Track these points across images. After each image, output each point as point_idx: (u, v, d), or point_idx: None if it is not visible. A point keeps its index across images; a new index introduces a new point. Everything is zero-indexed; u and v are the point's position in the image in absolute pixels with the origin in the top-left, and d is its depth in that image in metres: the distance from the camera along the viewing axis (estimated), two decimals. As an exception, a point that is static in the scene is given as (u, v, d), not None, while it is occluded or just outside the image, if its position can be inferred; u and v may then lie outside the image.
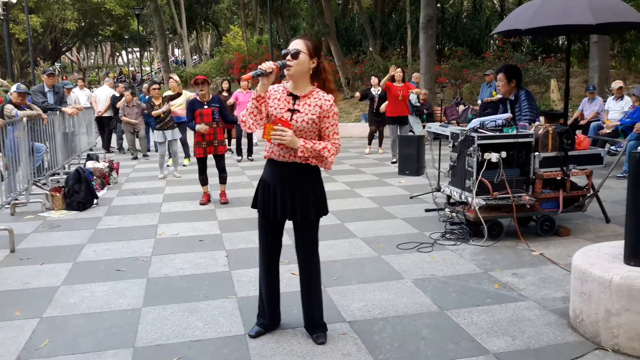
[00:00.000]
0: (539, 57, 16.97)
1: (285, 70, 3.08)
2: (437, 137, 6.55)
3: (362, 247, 5.23)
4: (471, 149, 5.17)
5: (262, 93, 3.05)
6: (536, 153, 5.27)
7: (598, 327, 3.22)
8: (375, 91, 11.56)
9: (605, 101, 10.77)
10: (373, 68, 19.07)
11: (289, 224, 3.35)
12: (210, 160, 7.29)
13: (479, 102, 13.39)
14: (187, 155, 11.14)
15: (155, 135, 9.37)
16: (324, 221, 6.16)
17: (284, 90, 3.19)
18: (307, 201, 3.19)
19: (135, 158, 12.22)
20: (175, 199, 7.72)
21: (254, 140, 13.50)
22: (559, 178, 5.37)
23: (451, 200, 5.93)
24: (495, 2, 22.76)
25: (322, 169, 3.26)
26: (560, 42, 19.22)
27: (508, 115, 5.43)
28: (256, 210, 3.39)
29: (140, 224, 6.37)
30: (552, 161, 5.32)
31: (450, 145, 5.63)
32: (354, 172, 9.54)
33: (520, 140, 5.20)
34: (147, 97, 12.53)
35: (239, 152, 11.59)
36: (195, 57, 51.79)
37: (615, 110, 10.16)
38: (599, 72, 12.79)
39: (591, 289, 3.26)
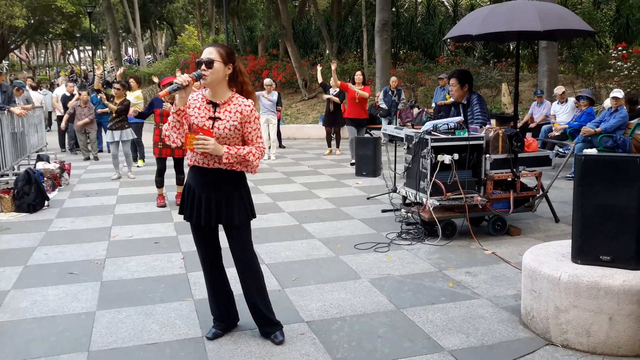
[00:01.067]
0: (491, 62, 17.42)
1: (201, 81, 3.06)
2: (392, 139, 6.66)
3: (320, 248, 5.27)
4: (425, 151, 5.28)
5: (181, 106, 3.05)
6: (487, 155, 5.42)
7: (548, 324, 3.35)
8: (333, 91, 11.63)
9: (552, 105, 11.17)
10: (330, 70, 19.15)
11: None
12: (169, 161, 7.23)
13: (433, 105, 13.65)
14: (141, 157, 10.98)
15: (107, 136, 9.19)
16: (282, 222, 6.24)
17: (204, 99, 3.18)
18: (231, 205, 3.19)
19: (88, 159, 11.95)
20: (129, 200, 7.59)
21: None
22: (509, 179, 5.54)
23: (407, 201, 6.04)
24: (449, 7, 23.22)
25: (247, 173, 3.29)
26: (511, 47, 19.77)
27: (460, 118, 5.57)
28: (180, 214, 3.40)
29: (93, 226, 6.24)
30: (502, 163, 5.48)
31: (405, 147, 5.73)
32: (312, 174, 9.59)
33: (471, 142, 5.34)
34: (98, 96, 12.28)
35: None
36: (149, 56, 50.91)
37: (561, 113, 10.55)
38: (547, 76, 13.23)
39: (541, 287, 3.39)
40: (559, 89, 10.88)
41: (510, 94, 15.23)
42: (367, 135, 10.67)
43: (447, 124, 5.48)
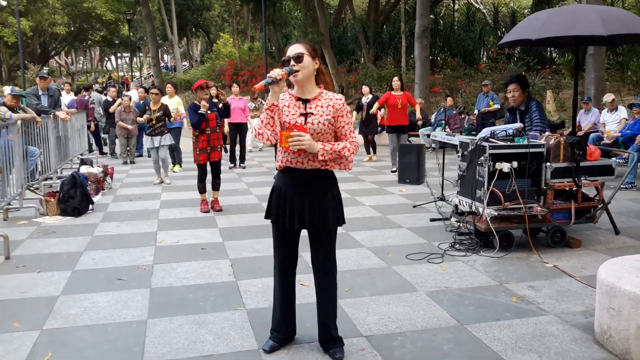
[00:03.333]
0: (534, 69, 17.02)
1: (292, 77, 2.97)
2: (442, 146, 6.45)
3: (370, 257, 5.09)
4: (482, 158, 5.06)
5: (274, 101, 2.95)
6: (547, 163, 5.18)
7: (629, 344, 3.10)
8: (365, 99, 11.49)
9: (601, 113, 10.78)
10: (367, 77, 19.04)
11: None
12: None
13: (476, 112, 13.36)
14: (179, 162, 10.95)
15: (147, 142, 9.19)
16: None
17: (291, 97, 3.09)
18: (325, 209, 3.07)
19: (126, 163, 12.02)
20: (172, 205, 7.54)
21: (248, 147, 13.40)
22: (570, 189, 5.28)
23: (459, 210, 5.82)
24: (487, 14, 22.84)
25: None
26: (553, 54, 19.33)
27: (519, 125, 5.34)
28: (266, 219, 3.26)
29: (139, 230, 6.18)
30: (563, 172, 5.22)
31: (459, 154, 5.52)
32: (354, 180, 9.42)
33: (531, 150, 5.10)
34: (141, 102, 12.37)
35: (232, 159, 11.40)
36: (185, 63, 51.56)
37: (611, 121, 10.16)
38: (595, 84, 12.81)
39: (621, 304, 3.15)
40: (608, 97, 10.50)
41: (555, 101, 14.83)
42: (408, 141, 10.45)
43: (506, 131, 5.25)
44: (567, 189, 5.26)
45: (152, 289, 4.33)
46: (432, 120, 13.70)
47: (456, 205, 5.77)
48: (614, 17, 5.24)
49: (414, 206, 7.25)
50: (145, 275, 4.66)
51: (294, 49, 2.99)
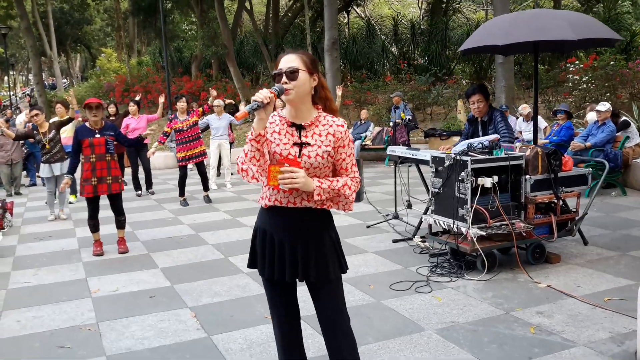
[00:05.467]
0: (441, 79, 17.37)
1: (282, 97, 2.38)
2: (403, 161, 6.06)
3: (352, 291, 4.51)
4: (463, 174, 4.68)
5: (261, 131, 2.34)
6: (527, 176, 4.91)
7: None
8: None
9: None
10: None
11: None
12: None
13: (391, 123, 13.26)
14: (74, 191, 9.40)
15: (43, 170, 7.96)
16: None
17: (283, 120, 2.49)
18: (323, 254, 2.47)
19: (10, 195, 10.47)
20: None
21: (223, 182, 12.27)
22: (549, 202, 5.05)
23: (432, 230, 5.42)
24: (389, 27, 23.19)
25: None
26: (452, 66, 19.94)
27: (495, 136, 5.03)
28: (250, 268, 2.67)
29: (64, 279, 5.18)
30: (541, 184, 4.99)
31: (433, 170, 5.12)
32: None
33: (512, 162, 4.81)
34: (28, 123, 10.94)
35: (136, 186, 10.22)
36: (65, 80, 48.22)
37: (528, 131, 10.40)
38: (505, 92, 13.18)
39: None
40: (524, 109, 10.78)
41: (467, 110, 15.13)
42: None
43: (482, 143, 4.92)
44: (547, 201, 5.02)
45: (109, 357, 3.48)
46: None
47: (430, 225, 5.37)
48: (579, 21, 5.11)
49: (368, 226, 6.79)
50: (93, 339, 3.77)
51: (288, 62, 2.41)
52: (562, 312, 3.97)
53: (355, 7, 31.18)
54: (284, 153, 2.41)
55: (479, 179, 4.67)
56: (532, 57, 16.65)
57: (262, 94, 2.28)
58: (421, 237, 6.00)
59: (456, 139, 12.27)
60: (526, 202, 4.93)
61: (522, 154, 4.91)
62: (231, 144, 11.73)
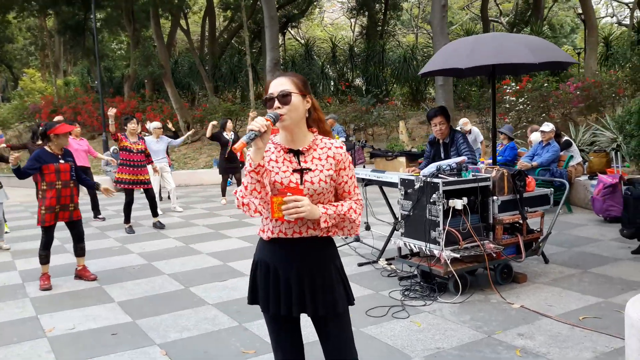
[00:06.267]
0: (382, 100, 17.63)
1: (277, 123, 2.27)
2: (368, 183, 6.00)
3: (327, 320, 4.37)
4: (435, 196, 4.67)
5: (260, 160, 2.21)
6: (494, 197, 4.96)
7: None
8: (229, 135, 10.74)
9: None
10: (214, 111, 18.18)
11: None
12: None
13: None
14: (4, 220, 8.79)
15: None
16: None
17: (278, 147, 2.37)
18: (331, 287, 2.35)
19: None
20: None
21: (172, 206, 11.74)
22: (515, 222, 5.12)
23: (402, 254, 5.37)
24: (327, 49, 23.41)
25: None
26: (390, 88, 20.34)
27: (463, 158, 5.07)
28: (251, 305, 2.52)
29: (12, 317, 4.75)
30: (508, 204, 5.05)
31: (402, 193, 5.08)
32: (240, 225, 8.57)
33: (480, 184, 4.84)
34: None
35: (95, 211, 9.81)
36: (-14, 100, 45.68)
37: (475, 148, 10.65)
38: (445, 113, 13.49)
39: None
40: (465, 124, 10.96)
41: (407, 131, 15.42)
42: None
43: (450, 166, 4.94)
44: (515, 222, 5.08)
45: (78, 408, 3.17)
46: None
47: (399, 248, 5.32)
48: (537, 45, 5.26)
49: (329, 250, 6.66)
50: (57, 387, 3.44)
51: (279, 85, 2.29)
52: (542, 333, 3.99)
53: (289, 30, 31.41)
54: (284, 181, 2.28)
55: (450, 200, 4.67)
56: (465, 80, 17.26)
57: (259, 123, 2.15)
58: (386, 259, 5.95)
59: (401, 159, 12.45)
60: (494, 223, 4.98)
61: (488, 175, 4.96)
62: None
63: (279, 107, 2.25)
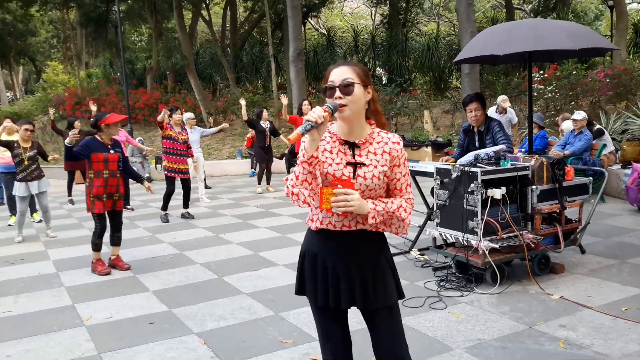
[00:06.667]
0: (406, 90, 17.48)
1: (337, 113, 2.19)
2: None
3: (364, 310, 4.34)
4: (473, 185, 4.60)
5: (314, 152, 2.14)
6: (533, 186, 4.87)
7: None
8: (265, 124, 10.80)
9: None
10: (236, 102, 18.17)
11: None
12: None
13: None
14: (14, 212, 8.42)
15: (17, 188, 7.47)
16: (287, 278, 5.21)
17: (333, 137, 2.30)
18: (382, 280, 2.30)
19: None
20: (72, 266, 6.10)
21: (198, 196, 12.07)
22: (554, 212, 5.02)
23: (437, 244, 5.32)
24: (349, 38, 23.25)
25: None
26: (413, 77, 20.13)
27: (500, 147, 4.98)
28: (298, 295, 2.48)
29: (49, 306, 4.80)
30: (547, 194, 4.96)
31: (438, 182, 5.01)
32: (269, 215, 8.56)
33: (519, 173, 4.76)
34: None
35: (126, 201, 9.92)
36: (9, 93, 46.34)
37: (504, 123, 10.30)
38: (472, 102, 13.31)
39: None
40: (504, 101, 10.34)
41: (432, 120, 15.27)
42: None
43: (487, 154, 4.85)
44: (553, 212, 4.99)
45: (122, 396, 3.18)
46: None
47: (434, 239, 5.26)
48: (575, 31, 5.14)
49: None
50: (100, 375, 3.46)
51: (341, 74, 2.21)
52: (585, 324, 3.91)
53: (309, 20, 31.26)
54: (337, 174, 2.23)
55: (489, 190, 4.59)
56: (490, 67, 17.01)
57: (316, 114, 2.08)
58: (419, 249, 5.90)
59: (427, 148, 12.33)
60: (533, 213, 4.90)
61: (528, 164, 4.87)
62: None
63: (340, 97, 2.18)
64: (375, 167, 2.24)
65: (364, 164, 2.24)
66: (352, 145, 2.26)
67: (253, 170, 14.68)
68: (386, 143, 2.28)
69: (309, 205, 2.25)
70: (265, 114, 10.97)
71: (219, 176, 15.07)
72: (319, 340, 2.47)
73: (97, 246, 5.75)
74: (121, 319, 4.41)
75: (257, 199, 10.37)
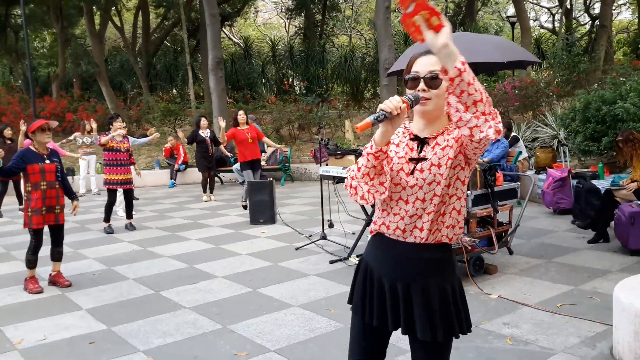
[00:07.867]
0: (327, 100, 17.70)
1: (418, 106, 1.98)
2: (340, 181, 6.01)
3: (314, 318, 4.33)
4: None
5: (383, 145, 1.92)
6: (468, 192, 5.08)
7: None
8: (205, 134, 10.74)
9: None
10: (151, 111, 17.65)
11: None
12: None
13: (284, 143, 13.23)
14: None
15: None
16: (229, 290, 5.12)
17: (406, 132, 2.11)
18: (442, 310, 2.05)
19: None
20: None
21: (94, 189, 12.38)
22: (487, 216, 5.26)
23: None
24: (266, 48, 23.25)
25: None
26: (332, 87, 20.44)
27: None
28: (349, 304, 2.27)
29: (-29, 330, 4.41)
30: (480, 199, 5.19)
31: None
32: (198, 227, 8.35)
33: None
34: None
35: None
36: None
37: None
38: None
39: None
40: None
41: (353, 130, 15.54)
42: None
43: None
44: (488, 215, 5.23)
45: (73, 422, 2.97)
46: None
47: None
48: (503, 45, 5.44)
49: (297, 248, 6.62)
50: (43, 401, 3.21)
51: (428, 65, 1.98)
52: (526, 321, 4.12)
53: (223, 29, 30.98)
54: (395, 167, 2.03)
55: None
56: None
57: (392, 103, 1.85)
58: (357, 256, 5.97)
59: (350, 157, 12.54)
60: (468, 217, 5.10)
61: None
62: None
63: (423, 90, 1.97)
64: (440, 158, 1.97)
65: (425, 159, 2.01)
66: (422, 142, 2.05)
67: (173, 181, 14.31)
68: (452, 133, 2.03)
69: (367, 202, 1.99)
70: (203, 121, 10.86)
71: (137, 187, 14.50)
72: (349, 343, 2.24)
73: (31, 263, 5.38)
74: (58, 340, 4.13)
75: (182, 211, 10.09)
